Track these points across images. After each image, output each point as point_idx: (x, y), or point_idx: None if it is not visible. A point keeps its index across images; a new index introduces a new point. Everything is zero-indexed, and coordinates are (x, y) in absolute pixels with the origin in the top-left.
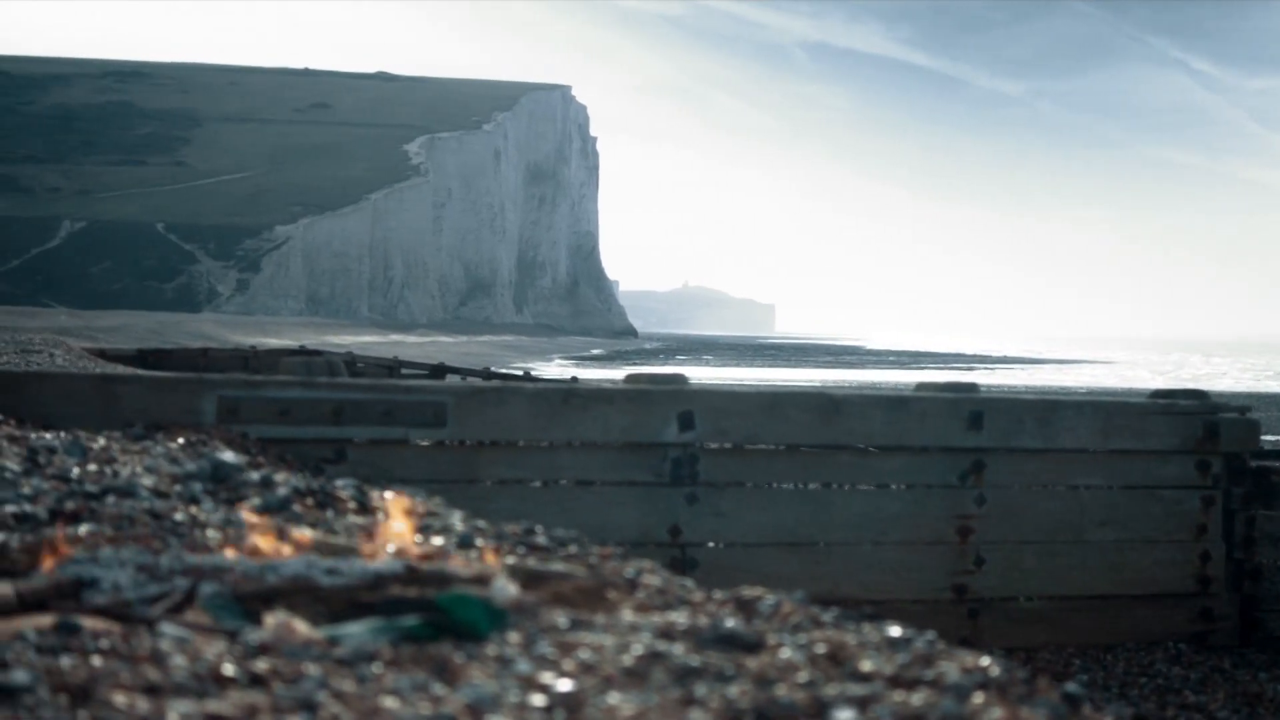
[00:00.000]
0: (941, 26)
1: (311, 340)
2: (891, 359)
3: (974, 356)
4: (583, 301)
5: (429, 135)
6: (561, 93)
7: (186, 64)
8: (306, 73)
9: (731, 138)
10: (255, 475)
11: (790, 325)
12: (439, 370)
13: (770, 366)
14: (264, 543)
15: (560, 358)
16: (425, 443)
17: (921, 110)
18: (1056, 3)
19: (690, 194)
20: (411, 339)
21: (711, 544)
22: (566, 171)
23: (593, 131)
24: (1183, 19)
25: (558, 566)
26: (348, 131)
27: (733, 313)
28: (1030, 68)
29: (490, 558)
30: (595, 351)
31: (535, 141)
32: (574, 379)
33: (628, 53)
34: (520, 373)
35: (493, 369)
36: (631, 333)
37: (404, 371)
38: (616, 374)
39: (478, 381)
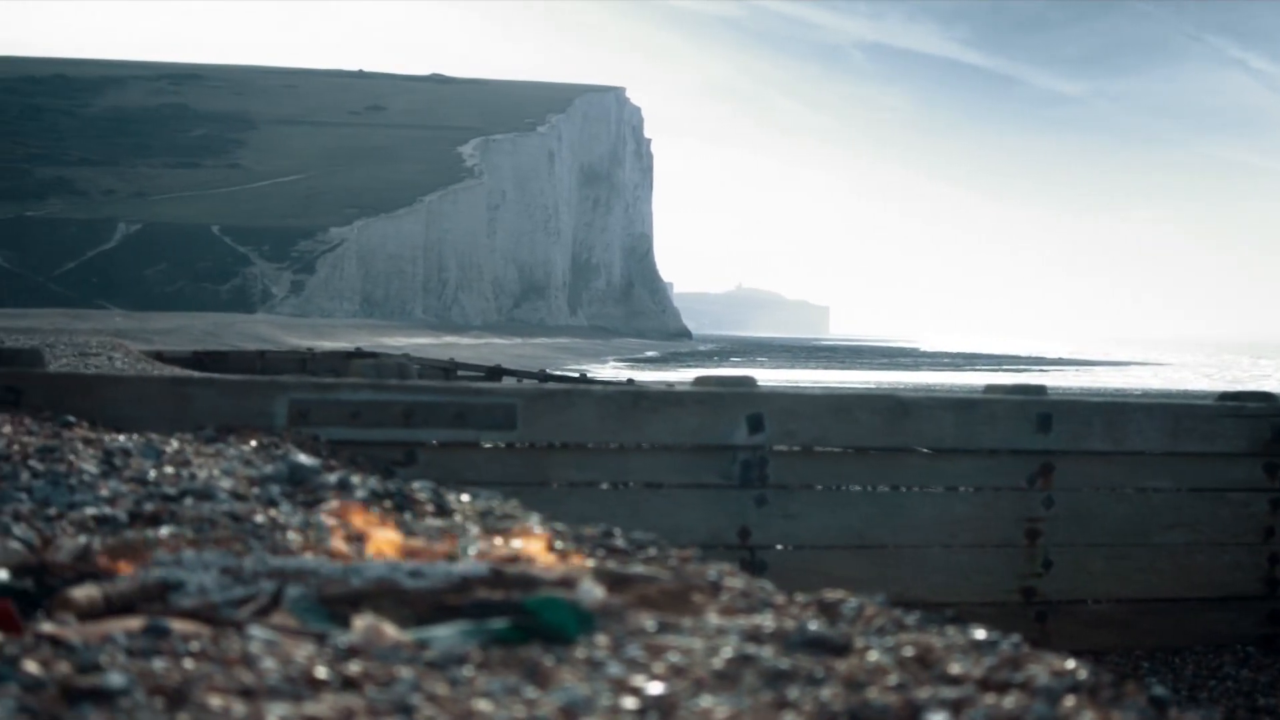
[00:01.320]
0: (999, 26)
1: (366, 342)
2: (946, 361)
3: (1028, 358)
4: (637, 303)
5: (483, 137)
6: (615, 94)
7: (241, 66)
8: (361, 75)
9: (788, 139)
10: (332, 478)
11: (844, 327)
12: (495, 372)
13: (825, 368)
14: (345, 546)
15: (615, 360)
16: (495, 445)
17: (978, 110)
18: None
19: (745, 196)
20: (466, 341)
21: (780, 546)
22: (621, 173)
23: (647, 133)
24: (1242, 18)
25: (639, 569)
26: (402, 133)
27: (787, 314)
28: (1088, 67)
29: (574, 560)
30: (650, 353)
31: (589, 143)
32: (630, 381)
33: (684, 54)
34: (576, 374)
35: (548, 371)
36: (686, 335)
37: (460, 374)
38: (671, 376)
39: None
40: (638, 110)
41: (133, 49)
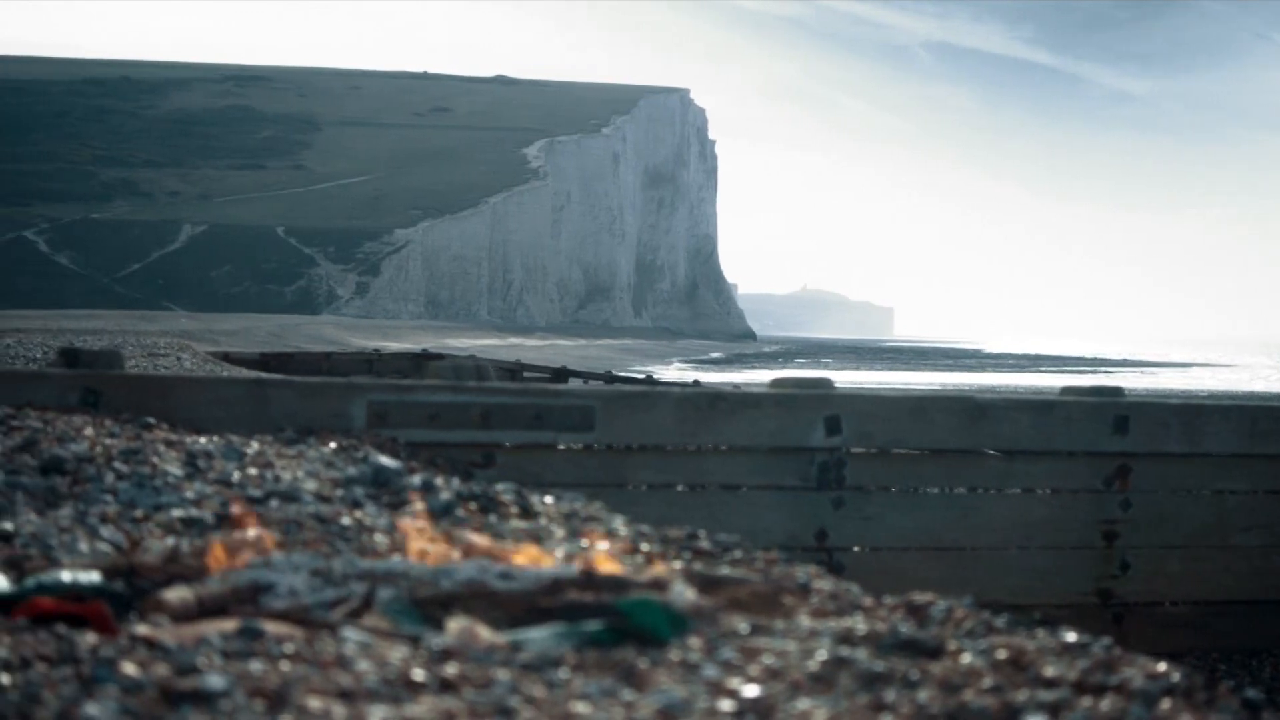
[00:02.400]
0: (1064, 25)
1: (431, 344)
2: (1010, 362)
3: (1091, 360)
4: (701, 305)
5: (548, 139)
6: (680, 96)
7: (306, 68)
8: (425, 77)
9: (853, 139)
10: (416, 480)
11: (908, 328)
12: (561, 374)
13: (890, 370)
14: (433, 547)
15: (679, 361)
16: (572, 447)
17: (1044, 109)
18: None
19: (810, 196)
20: (531, 342)
21: (857, 548)
22: (685, 175)
23: (712, 134)
24: None
25: (726, 571)
26: (467, 135)
27: (851, 316)
28: (1153, 66)
29: (661, 563)
30: (714, 355)
31: (654, 145)
32: (695, 382)
33: (748, 54)
34: (641, 376)
35: (614, 372)
36: (750, 336)
37: (525, 375)
38: (736, 377)
39: (614, 386)
40: (702, 111)
41: (197, 51)
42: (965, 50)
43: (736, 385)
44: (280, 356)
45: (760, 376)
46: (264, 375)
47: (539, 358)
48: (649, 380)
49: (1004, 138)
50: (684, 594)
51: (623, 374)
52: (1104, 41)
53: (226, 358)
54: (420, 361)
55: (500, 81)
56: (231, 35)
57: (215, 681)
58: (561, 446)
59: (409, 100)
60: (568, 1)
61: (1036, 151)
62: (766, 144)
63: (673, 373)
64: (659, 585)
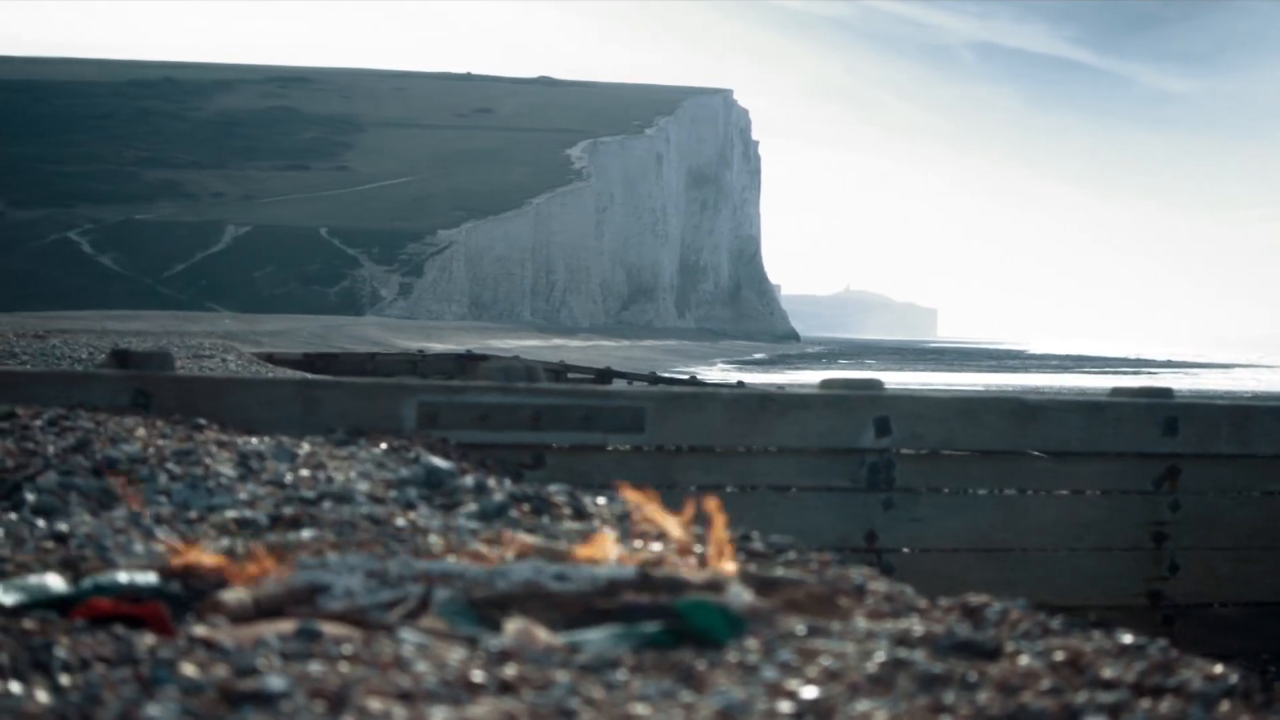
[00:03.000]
0: (1109, 25)
1: (475, 344)
2: (1055, 363)
3: (1135, 360)
4: (745, 306)
5: (591, 139)
6: (723, 97)
7: (349, 69)
8: (469, 78)
9: (897, 139)
10: (469, 481)
11: (952, 329)
12: (605, 374)
13: (934, 371)
14: (487, 548)
15: (723, 362)
16: (623, 448)
17: (1088, 109)
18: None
19: (854, 197)
20: (574, 343)
21: (907, 549)
22: (728, 175)
23: (755, 135)
24: None
25: (781, 572)
26: (510, 136)
27: (894, 317)
28: (1199, 65)
29: (719, 564)
30: (758, 356)
31: (697, 146)
32: (739, 383)
33: (792, 55)
34: (685, 376)
35: (657, 373)
36: (794, 337)
37: (570, 375)
38: (780, 378)
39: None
40: (745, 112)
41: (241, 52)
42: (1009, 50)
43: (781, 386)
44: (325, 357)
45: (804, 378)
46: (314, 376)
47: (582, 359)
48: (693, 381)
49: (1048, 138)
50: (741, 595)
51: (666, 375)
52: (1148, 41)
53: (271, 359)
54: (464, 362)
55: (543, 82)
56: (275, 37)
57: (276, 683)
58: (611, 448)
59: (452, 101)
60: (611, 2)
61: (1081, 151)
62: (810, 144)
63: (716, 374)
64: (716, 587)
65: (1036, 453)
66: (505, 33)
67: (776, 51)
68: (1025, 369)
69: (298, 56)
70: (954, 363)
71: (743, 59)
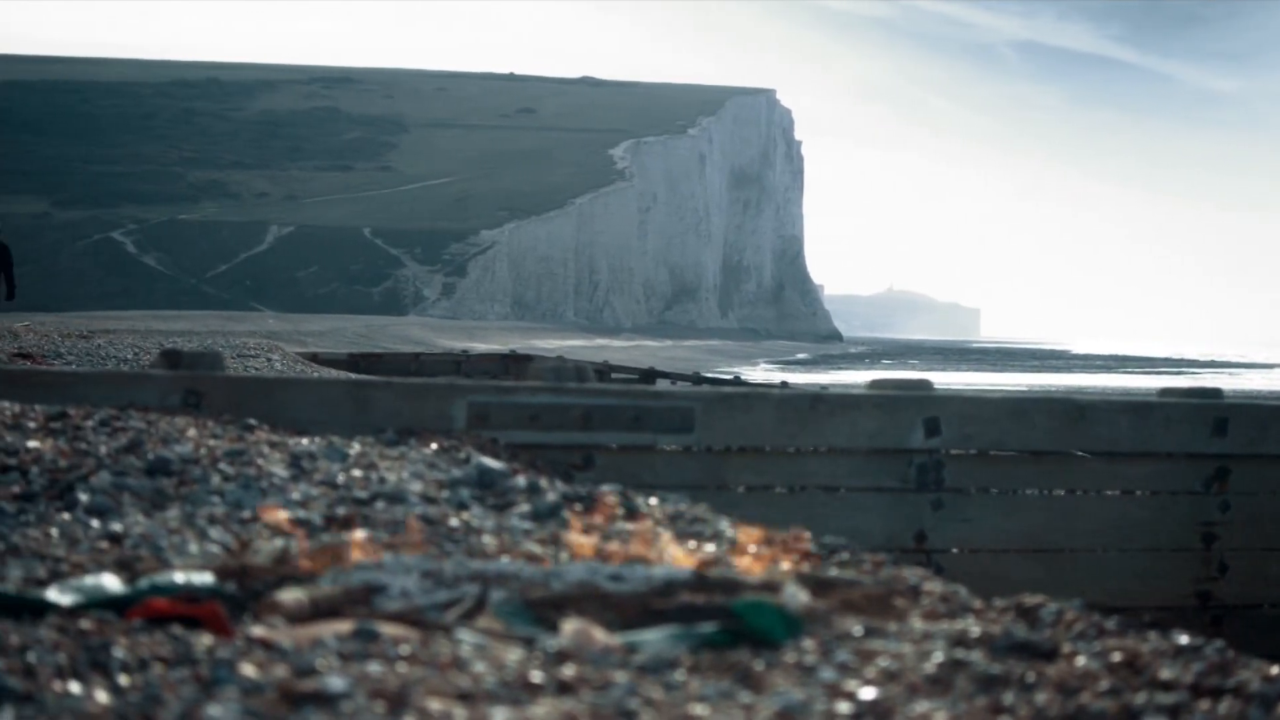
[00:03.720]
0: (1152, 23)
1: (518, 344)
2: (1098, 363)
3: (1178, 360)
4: (787, 306)
5: (634, 140)
6: (766, 97)
7: (393, 69)
8: (512, 78)
9: (940, 139)
10: (521, 481)
11: (995, 329)
12: (649, 375)
13: (977, 371)
14: (541, 549)
15: (766, 362)
16: (672, 448)
17: (1132, 108)
18: None
19: (896, 196)
20: (617, 343)
21: (956, 550)
22: (771, 175)
23: (798, 135)
24: None
25: (835, 573)
26: (553, 136)
27: (937, 317)
28: (1243, 64)
29: (783, 564)
30: (801, 356)
31: (740, 146)
32: (783, 383)
33: (835, 54)
34: (729, 376)
35: (701, 373)
36: (836, 337)
37: (614, 376)
38: (823, 378)
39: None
40: (788, 112)
41: (285, 52)
42: (1052, 49)
43: (824, 387)
44: (369, 357)
45: (847, 378)
46: (364, 377)
47: (626, 359)
48: (737, 381)
49: (1091, 137)
50: (797, 596)
51: (709, 375)
52: (1192, 40)
53: (315, 358)
54: (509, 362)
55: (586, 82)
56: (318, 37)
57: (336, 683)
58: (661, 448)
59: (495, 101)
60: (654, 2)
61: (1124, 151)
62: (853, 144)
63: (759, 374)
64: (771, 587)
65: (1080, 453)
66: (548, 33)
67: (819, 51)
68: (1069, 369)
69: (341, 57)
70: (997, 363)
71: (786, 59)
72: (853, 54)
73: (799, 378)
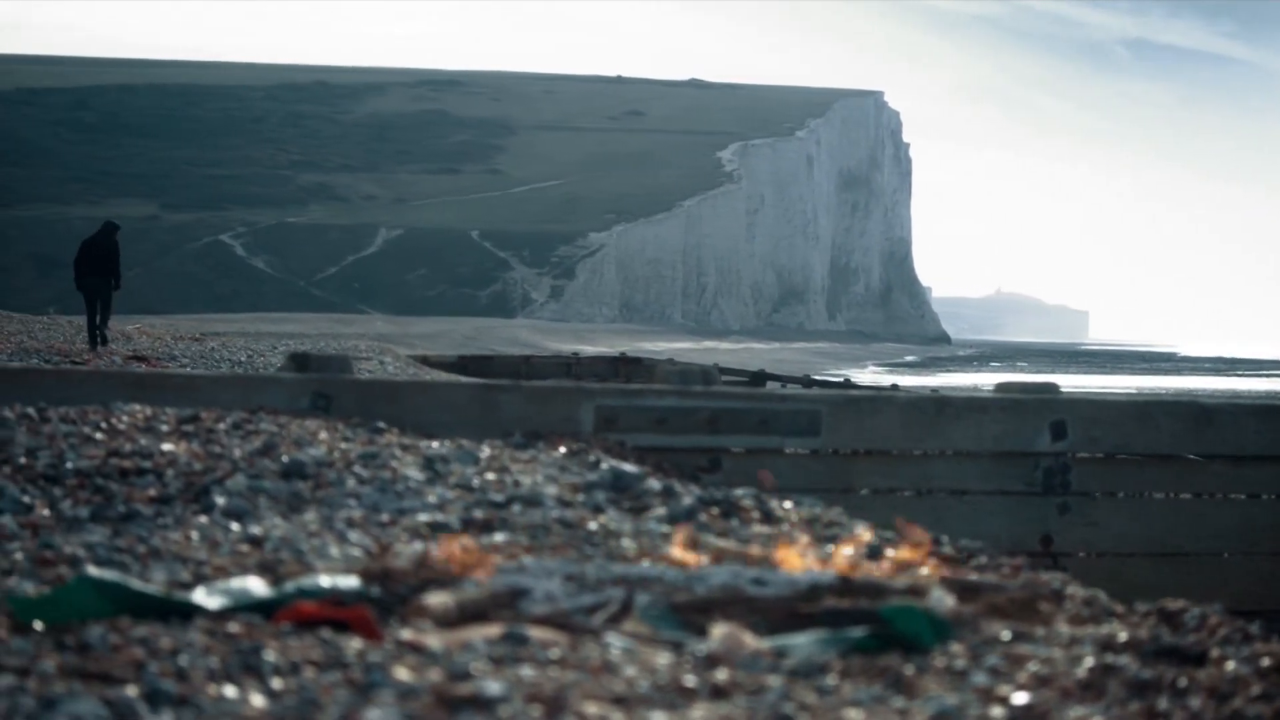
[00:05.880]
0: (1264, 19)
1: (626, 347)
2: (1207, 366)
3: None
4: (896, 308)
5: (742, 142)
6: (874, 99)
7: (500, 72)
8: (619, 80)
9: (1048, 138)
10: (656, 484)
11: (1103, 332)
12: (759, 377)
13: (1085, 374)
14: (680, 552)
15: (874, 364)
16: (799, 452)
17: (1244, 106)
18: None
19: (1005, 197)
20: (725, 345)
21: (1082, 554)
22: (879, 178)
23: (906, 137)
24: None
25: (975, 577)
26: (661, 139)
27: (1045, 320)
28: None
29: (927, 570)
30: (909, 358)
31: (848, 148)
32: (894, 386)
33: (943, 55)
34: (839, 379)
35: (810, 376)
36: (945, 339)
37: (724, 378)
38: (932, 381)
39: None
40: (896, 114)
41: (392, 55)
42: (1163, 46)
43: (935, 389)
44: (478, 360)
45: (956, 380)
46: (490, 380)
47: (734, 361)
48: (847, 383)
49: (1203, 135)
50: (944, 600)
51: (818, 377)
52: None
53: (425, 361)
54: (619, 365)
55: (694, 85)
56: (425, 40)
57: (493, 687)
58: (788, 451)
59: (603, 104)
60: (762, 4)
61: (1236, 149)
62: (962, 145)
63: (867, 376)
64: (917, 591)
65: (1192, 456)
66: (656, 35)
67: (927, 52)
68: (1178, 371)
69: (449, 60)
70: (1105, 365)
71: (893, 59)
72: (960, 54)
73: (907, 380)
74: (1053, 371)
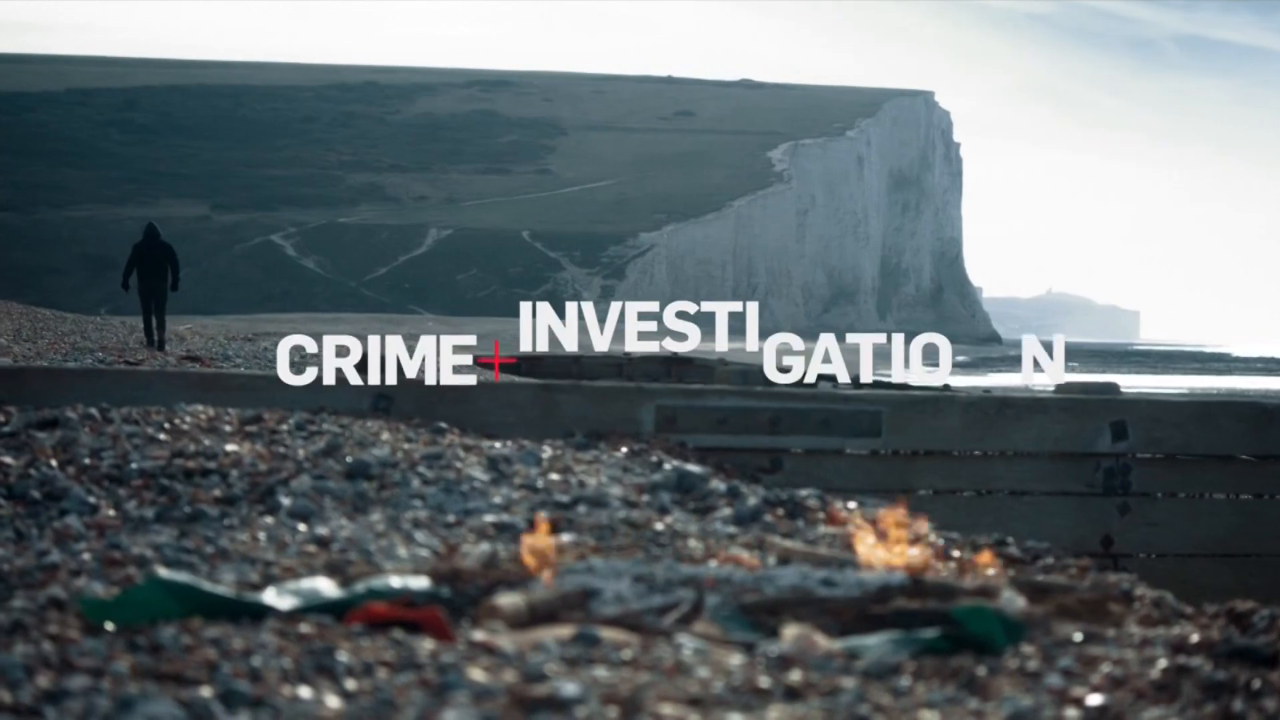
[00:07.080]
0: None
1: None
2: (1259, 366)
3: None
4: (946, 308)
5: (792, 142)
6: (925, 99)
7: (550, 73)
8: (670, 81)
9: (1099, 136)
10: (721, 485)
11: (1155, 332)
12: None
13: (1136, 374)
14: (746, 553)
15: (925, 365)
16: (860, 452)
17: None
18: None
19: (1056, 196)
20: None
21: (1143, 555)
22: (930, 178)
23: (957, 136)
24: None
25: (1042, 578)
26: (711, 139)
27: (1096, 320)
28: None
29: (994, 571)
30: (960, 358)
31: (898, 148)
32: (945, 386)
33: (993, 53)
34: (890, 380)
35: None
36: (996, 340)
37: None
38: (983, 381)
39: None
40: (947, 114)
41: (442, 56)
42: (1215, 42)
43: (987, 389)
44: (529, 359)
45: (1007, 380)
46: (552, 381)
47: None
48: (901, 385)
49: (1258, 132)
50: (1015, 601)
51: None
52: None
53: (476, 361)
54: (671, 365)
55: (745, 85)
56: (476, 40)
57: (569, 688)
58: (849, 451)
59: (653, 104)
60: (814, 4)
61: None
62: (1012, 144)
63: (920, 377)
64: (988, 592)
65: (1245, 456)
66: (706, 35)
67: (978, 51)
68: (1230, 372)
69: (499, 60)
70: (1157, 365)
71: (944, 59)
72: (1011, 52)
73: (958, 380)
74: (1103, 371)
